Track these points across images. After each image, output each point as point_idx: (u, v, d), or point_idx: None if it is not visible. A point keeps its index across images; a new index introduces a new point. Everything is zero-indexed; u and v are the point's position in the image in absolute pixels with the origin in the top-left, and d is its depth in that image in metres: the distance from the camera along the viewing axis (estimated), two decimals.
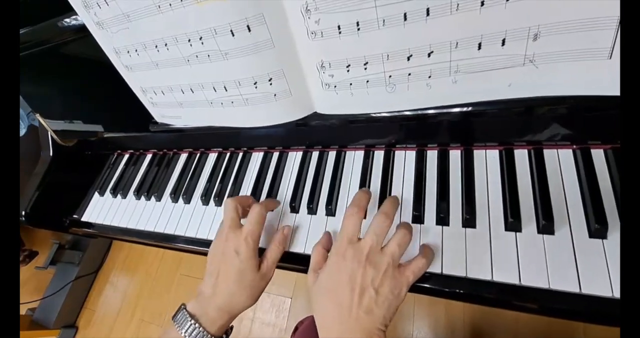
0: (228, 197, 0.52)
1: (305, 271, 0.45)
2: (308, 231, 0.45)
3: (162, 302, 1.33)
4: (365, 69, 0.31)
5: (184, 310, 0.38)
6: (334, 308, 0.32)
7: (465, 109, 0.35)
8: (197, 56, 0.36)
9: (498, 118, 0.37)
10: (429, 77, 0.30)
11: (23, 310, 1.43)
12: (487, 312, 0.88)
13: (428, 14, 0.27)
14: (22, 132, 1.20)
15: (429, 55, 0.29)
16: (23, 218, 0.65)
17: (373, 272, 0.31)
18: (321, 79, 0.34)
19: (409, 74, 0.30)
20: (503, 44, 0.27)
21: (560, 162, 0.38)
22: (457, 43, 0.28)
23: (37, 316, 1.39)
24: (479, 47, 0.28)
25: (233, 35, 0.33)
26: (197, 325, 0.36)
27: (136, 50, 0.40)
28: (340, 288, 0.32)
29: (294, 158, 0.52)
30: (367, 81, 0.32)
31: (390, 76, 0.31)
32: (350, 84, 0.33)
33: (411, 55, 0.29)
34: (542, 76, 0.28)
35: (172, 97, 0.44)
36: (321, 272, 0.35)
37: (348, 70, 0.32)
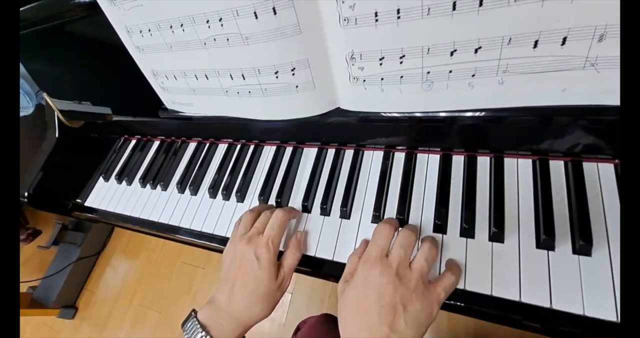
0: (237, 191, 0.50)
1: (315, 274, 0.43)
2: (320, 233, 0.42)
3: (161, 289, 1.33)
4: (401, 63, 0.28)
5: (195, 319, 0.35)
6: (361, 326, 0.29)
7: (499, 113, 0.32)
8: (215, 39, 0.33)
9: (535, 125, 0.34)
10: (473, 75, 0.27)
11: (24, 288, 1.45)
12: (493, 324, 0.86)
13: (481, 5, 0.24)
14: (31, 110, 1.18)
15: (475, 51, 0.26)
16: (25, 199, 0.64)
17: (402, 289, 0.29)
18: (349, 71, 0.31)
19: (450, 71, 0.27)
20: (563, 42, 0.24)
21: (600, 177, 0.35)
22: (510, 39, 0.24)
23: (38, 294, 1.40)
24: (535, 45, 0.24)
25: (256, 17, 0.30)
26: (208, 337, 0.34)
27: (149, 30, 0.37)
28: (368, 306, 0.29)
29: (309, 154, 0.50)
30: (402, 77, 0.29)
31: (428, 72, 0.28)
32: (382, 79, 0.30)
33: (455, 50, 0.26)
34: (602, 82, 0.25)
35: (184, 82, 0.41)
36: (348, 286, 0.32)
37: (381, 64, 0.29)
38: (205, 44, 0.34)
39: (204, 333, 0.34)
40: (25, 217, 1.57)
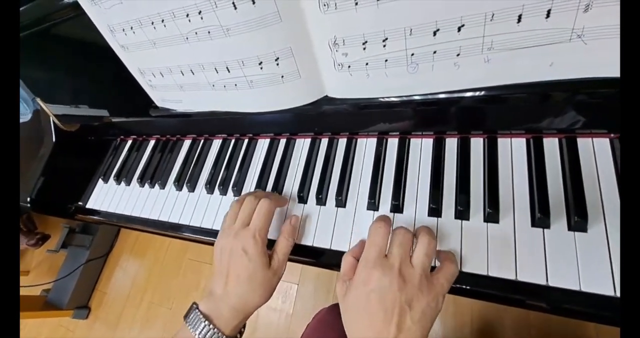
0: (233, 185, 0.50)
1: (314, 264, 0.43)
2: (317, 223, 0.42)
3: (170, 286, 1.35)
4: (385, 46, 0.28)
5: (197, 310, 0.36)
6: (367, 329, 0.29)
7: (490, 92, 0.31)
8: (196, 33, 0.33)
9: (527, 103, 0.33)
10: (458, 55, 0.27)
11: (37, 291, 1.48)
12: (498, 305, 0.87)
13: None
14: (28, 117, 1.18)
15: (459, 29, 0.25)
16: (28, 205, 0.65)
17: (407, 288, 0.28)
18: (334, 58, 0.31)
19: (435, 52, 0.27)
20: (548, 15, 0.23)
21: (596, 152, 0.35)
22: (493, 14, 0.24)
23: (51, 297, 1.43)
24: (519, 20, 0.24)
25: (235, 8, 0.29)
26: (211, 326, 0.34)
27: (131, 28, 0.37)
28: (373, 309, 0.29)
29: (302, 145, 0.49)
30: (386, 60, 0.29)
31: (412, 54, 0.27)
32: (367, 64, 0.30)
33: (438, 30, 0.25)
34: (590, 54, 0.25)
35: (171, 79, 0.41)
36: (349, 288, 0.32)
37: (364, 48, 0.28)
38: (187, 38, 0.34)
39: (207, 322, 0.34)
40: (34, 222, 1.60)
